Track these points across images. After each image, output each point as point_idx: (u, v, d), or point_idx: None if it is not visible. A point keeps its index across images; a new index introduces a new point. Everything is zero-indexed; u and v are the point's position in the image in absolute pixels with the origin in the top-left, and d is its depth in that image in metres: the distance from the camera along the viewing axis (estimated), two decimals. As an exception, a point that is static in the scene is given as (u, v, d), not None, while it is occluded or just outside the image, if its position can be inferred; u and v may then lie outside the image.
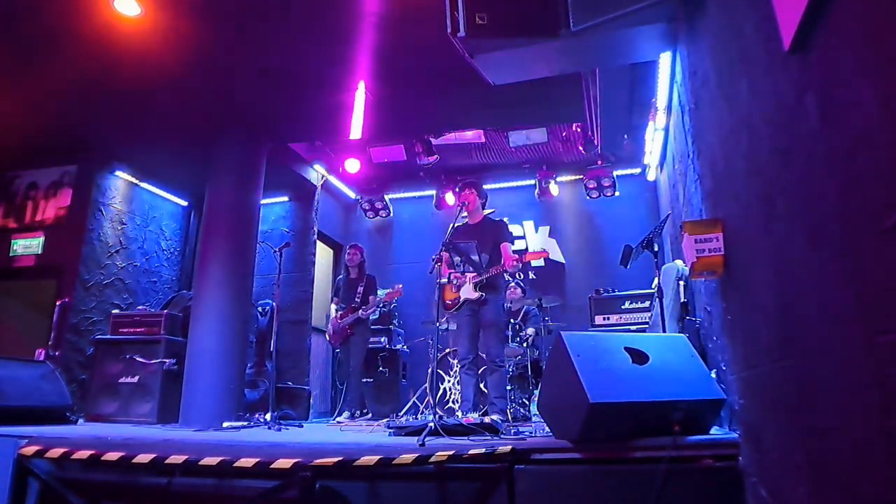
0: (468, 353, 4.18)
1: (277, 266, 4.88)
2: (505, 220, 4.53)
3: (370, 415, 5.69)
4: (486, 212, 4.79)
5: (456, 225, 4.07)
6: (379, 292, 7.20)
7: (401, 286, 5.61)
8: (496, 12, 3.07)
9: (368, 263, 7.94)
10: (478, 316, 4.17)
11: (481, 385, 4.82)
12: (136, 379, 5.25)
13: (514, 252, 4.30)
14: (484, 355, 4.28)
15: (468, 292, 4.15)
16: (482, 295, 4.12)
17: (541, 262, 7.28)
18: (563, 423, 2.40)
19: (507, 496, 2.29)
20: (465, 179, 4.68)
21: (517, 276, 7.29)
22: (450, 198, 7.64)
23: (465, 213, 4.44)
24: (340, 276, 6.02)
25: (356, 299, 5.58)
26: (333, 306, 5.79)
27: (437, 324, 3.92)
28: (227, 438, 3.19)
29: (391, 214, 8.25)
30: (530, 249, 7.65)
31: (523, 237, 7.76)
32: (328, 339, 5.78)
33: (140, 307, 6.30)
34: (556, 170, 7.52)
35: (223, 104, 5.53)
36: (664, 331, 3.42)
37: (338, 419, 5.29)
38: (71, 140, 6.15)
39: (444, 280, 4.17)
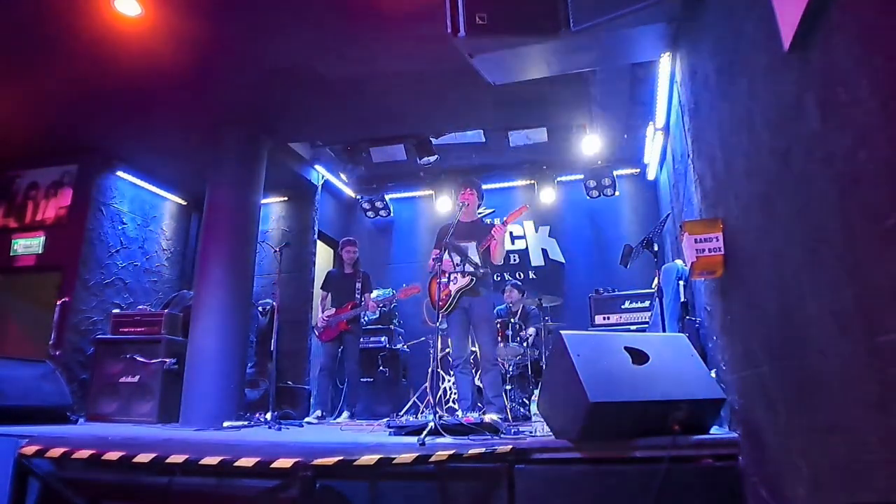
0: (461, 352, 4.18)
1: (277, 266, 4.88)
2: (497, 221, 4.51)
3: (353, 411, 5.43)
4: (483, 211, 4.78)
5: (445, 224, 4.10)
6: (375, 292, 7.15)
7: (417, 285, 5.43)
8: (496, 12, 3.08)
9: (369, 263, 7.95)
10: (468, 314, 4.17)
11: (479, 383, 4.82)
12: (136, 378, 5.25)
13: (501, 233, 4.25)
14: (477, 352, 4.27)
15: (458, 281, 4.15)
16: (472, 279, 4.11)
17: (543, 240, 7.31)
18: (563, 422, 2.41)
19: (508, 496, 2.30)
20: (465, 177, 4.66)
21: (517, 275, 7.30)
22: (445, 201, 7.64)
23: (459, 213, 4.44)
24: (332, 270, 5.86)
25: (356, 295, 5.46)
26: (326, 302, 5.58)
27: (437, 323, 3.92)
28: (227, 438, 3.19)
29: (391, 214, 8.25)
30: (530, 250, 7.65)
31: (523, 237, 7.77)
32: (318, 335, 5.53)
33: (140, 307, 6.30)
34: (556, 170, 7.52)
35: (223, 104, 5.52)
36: (664, 330, 3.43)
37: (336, 420, 5.24)
38: (71, 140, 6.15)
39: (445, 279, 4.17)
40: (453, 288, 4.16)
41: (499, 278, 7.17)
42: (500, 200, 7.85)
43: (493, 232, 4.09)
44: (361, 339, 6.55)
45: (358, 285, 5.52)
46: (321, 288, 5.73)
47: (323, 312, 5.51)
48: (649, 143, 5.81)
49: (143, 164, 6.82)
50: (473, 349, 4.59)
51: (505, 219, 4.33)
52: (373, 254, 8.19)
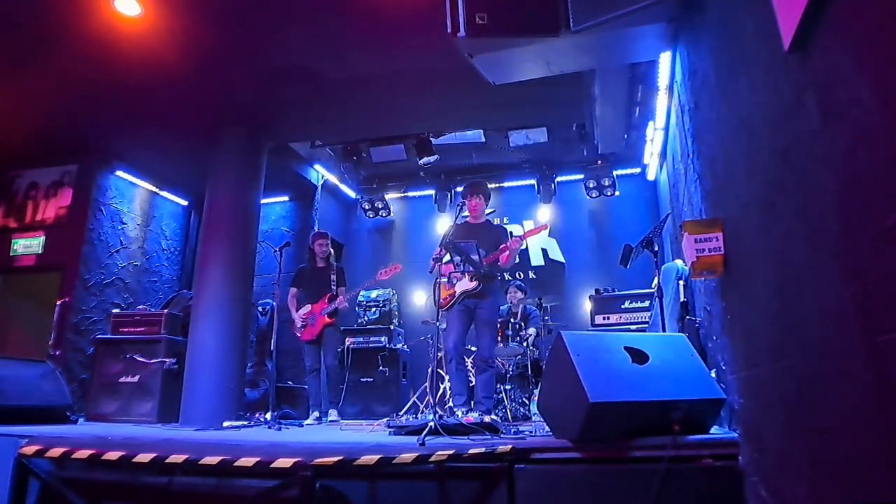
0: (455, 348, 4.13)
1: (278, 266, 4.88)
2: (505, 220, 4.54)
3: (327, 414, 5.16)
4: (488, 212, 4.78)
5: (453, 224, 4.10)
6: (374, 292, 7.08)
7: (398, 265, 5.25)
8: (496, 12, 3.08)
9: (369, 263, 7.93)
10: (473, 314, 4.16)
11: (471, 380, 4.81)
12: (136, 378, 5.26)
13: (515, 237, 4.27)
14: (474, 351, 4.25)
15: (464, 284, 4.14)
16: (479, 284, 4.10)
17: (543, 240, 7.35)
18: (562, 422, 2.41)
19: (507, 495, 2.30)
20: (472, 180, 4.62)
21: (518, 275, 7.30)
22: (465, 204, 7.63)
23: (465, 213, 4.44)
24: (304, 266, 5.59)
25: (331, 287, 5.26)
26: (295, 299, 5.35)
27: (437, 323, 3.90)
28: (227, 438, 3.19)
29: (391, 214, 8.25)
30: (530, 250, 7.66)
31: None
32: (299, 334, 5.23)
33: (140, 307, 6.31)
34: (556, 170, 7.52)
35: (223, 104, 5.52)
36: (664, 330, 3.42)
37: (328, 420, 5.15)
38: (71, 140, 6.15)
39: (444, 279, 4.17)
40: (458, 289, 4.15)
41: (499, 278, 7.16)
42: (501, 200, 7.86)
43: (508, 244, 4.10)
44: (361, 339, 6.56)
45: (333, 277, 5.30)
46: (291, 285, 5.43)
47: (297, 311, 5.28)
48: (649, 143, 5.80)
49: (142, 163, 6.83)
50: (471, 348, 4.57)
51: (523, 234, 4.41)
52: (372, 254, 8.20)
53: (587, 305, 5.78)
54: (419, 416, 5.31)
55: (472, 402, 4.42)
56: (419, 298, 7.66)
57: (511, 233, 4.95)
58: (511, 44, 3.30)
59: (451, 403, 4.99)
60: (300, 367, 6.85)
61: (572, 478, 2.23)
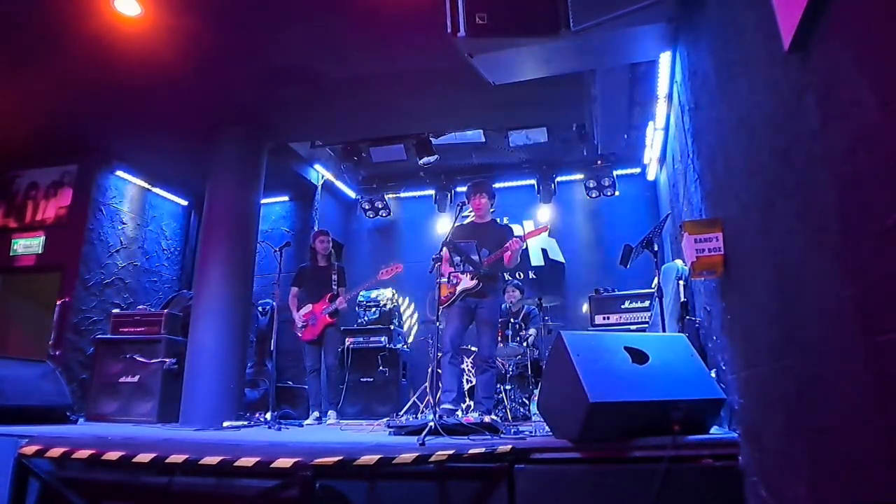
0: (451, 341, 4.10)
1: (278, 266, 4.88)
2: (505, 220, 4.51)
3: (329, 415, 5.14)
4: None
5: (458, 224, 4.08)
6: (374, 292, 7.05)
7: (399, 264, 5.22)
8: (496, 12, 3.08)
9: (369, 263, 7.94)
10: (473, 313, 4.15)
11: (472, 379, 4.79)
12: (136, 378, 5.26)
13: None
14: (474, 351, 4.23)
15: (465, 283, 4.13)
16: (479, 283, 4.09)
17: (542, 240, 7.35)
18: (562, 422, 2.41)
19: (507, 495, 2.30)
20: (476, 180, 4.60)
21: (517, 275, 7.30)
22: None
23: (466, 213, 4.43)
24: (305, 265, 5.59)
25: (332, 286, 5.25)
26: (297, 299, 5.35)
27: (437, 322, 3.89)
28: (227, 438, 3.20)
29: (391, 214, 8.26)
30: (530, 250, 7.66)
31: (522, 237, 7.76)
32: (300, 334, 5.23)
33: (140, 307, 6.31)
34: (555, 170, 7.52)
35: (223, 104, 5.53)
36: (664, 330, 3.42)
37: (328, 421, 5.13)
38: (71, 140, 6.15)
39: (444, 279, 4.16)
40: (458, 288, 4.15)
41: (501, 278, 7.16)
42: (500, 200, 7.84)
43: (509, 244, 4.08)
44: (361, 339, 6.56)
45: (334, 276, 5.29)
46: (293, 284, 5.42)
47: (298, 311, 5.26)
48: (649, 143, 5.80)
49: (142, 164, 6.83)
50: (471, 348, 4.56)
51: (524, 235, 4.37)
52: (372, 254, 8.20)
53: (587, 305, 5.78)
54: (419, 416, 5.30)
55: (465, 401, 4.40)
56: (419, 298, 7.67)
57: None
58: (511, 44, 3.30)
59: (450, 404, 4.98)
60: (300, 367, 6.85)
61: (572, 478, 2.24)
